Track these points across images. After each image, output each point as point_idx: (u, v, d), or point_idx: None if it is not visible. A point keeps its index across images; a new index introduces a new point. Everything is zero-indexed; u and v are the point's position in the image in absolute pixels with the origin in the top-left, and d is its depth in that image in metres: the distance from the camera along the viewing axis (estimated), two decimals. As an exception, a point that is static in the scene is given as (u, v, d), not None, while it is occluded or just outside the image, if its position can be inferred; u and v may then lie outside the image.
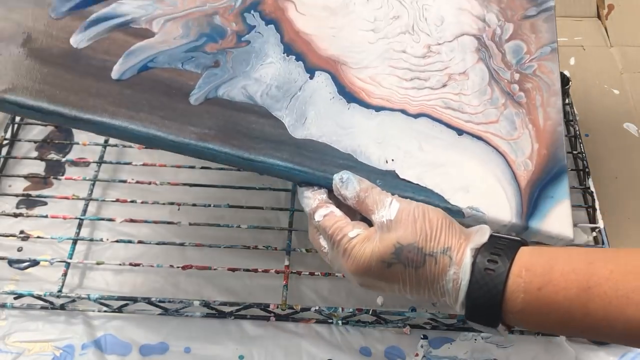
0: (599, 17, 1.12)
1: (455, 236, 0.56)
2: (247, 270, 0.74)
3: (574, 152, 0.89)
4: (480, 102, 0.69)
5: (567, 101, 0.93)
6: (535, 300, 0.52)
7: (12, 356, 0.71)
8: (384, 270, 0.56)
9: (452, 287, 0.55)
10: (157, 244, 0.76)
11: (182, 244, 0.76)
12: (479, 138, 0.67)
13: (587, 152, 0.88)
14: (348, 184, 0.60)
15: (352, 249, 0.57)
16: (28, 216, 0.80)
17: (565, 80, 0.92)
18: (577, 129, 0.90)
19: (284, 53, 0.65)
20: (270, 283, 0.76)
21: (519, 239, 0.57)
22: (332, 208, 0.60)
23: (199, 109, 0.60)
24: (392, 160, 0.63)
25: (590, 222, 0.83)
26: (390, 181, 0.62)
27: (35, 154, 0.86)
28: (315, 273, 0.75)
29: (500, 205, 0.64)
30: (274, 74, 0.63)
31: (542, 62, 0.73)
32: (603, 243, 0.79)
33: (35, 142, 0.87)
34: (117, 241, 0.77)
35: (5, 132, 0.86)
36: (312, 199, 0.60)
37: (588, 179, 0.85)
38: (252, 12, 0.65)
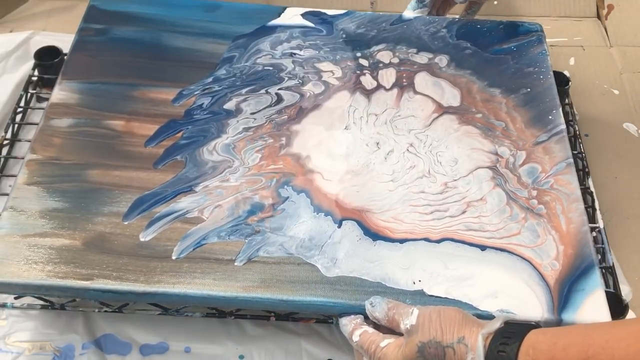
0: (598, 17, 1.13)
1: (469, 326, 0.61)
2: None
3: (574, 152, 0.88)
4: (500, 219, 0.75)
5: (567, 101, 0.94)
6: None
7: (12, 356, 0.73)
8: None
9: None
10: None
11: None
12: (503, 250, 0.73)
13: (587, 152, 0.88)
14: (377, 306, 0.67)
15: (384, 356, 0.63)
16: (29, 217, 0.84)
17: (565, 80, 0.93)
18: (577, 129, 0.90)
19: (314, 212, 0.76)
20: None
21: (533, 323, 0.61)
22: (366, 327, 0.67)
23: (243, 267, 0.71)
24: (419, 281, 0.70)
25: (589, 222, 0.81)
26: (419, 299, 0.69)
27: (36, 155, 0.91)
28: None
29: (530, 305, 0.69)
30: (307, 229, 0.74)
31: (558, 176, 0.79)
32: (602, 243, 0.77)
33: (36, 143, 0.92)
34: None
35: (6, 132, 0.89)
36: (349, 324, 0.68)
37: (588, 179, 0.85)
38: (285, 187, 0.78)
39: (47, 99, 0.96)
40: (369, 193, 0.78)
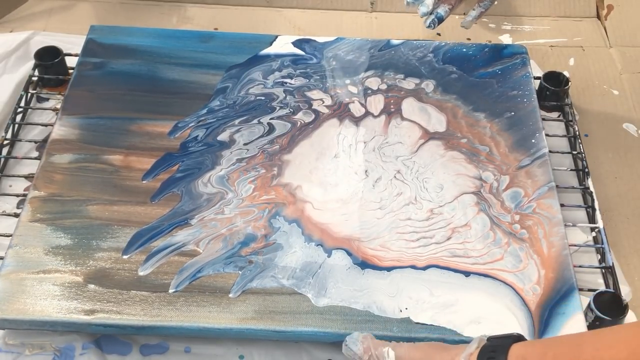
0: (598, 17, 1.14)
1: (449, 355, 0.64)
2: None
3: (574, 152, 0.90)
4: (484, 245, 0.78)
5: (567, 101, 0.96)
6: None
7: (12, 356, 0.73)
8: None
9: None
10: None
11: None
12: (486, 275, 0.76)
13: (587, 152, 0.90)
14: (352, 346, 0.68)
15: None
16: (29, 218, 0.83)
17: (565, 81, 0.95)
18: (576, 129, 0.92)
19: (305, 242, 0.79)
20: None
21: (515, 334, 0.64)
22: None
23: (237, 299, 0.74)
24: (406, 308, 0.73)
25: (589, 222, 0.84)
26: (405, 326, 0.72)
27: (35, 154, 0.91)
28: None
29: (512, 329, 0.71)
30: (298, 260, 0.77)
31: (540, 200, 0.82)
32: (602, 243, 0.79)
33: (35, 142, 0.92)
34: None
35: (6, 132, 0.90)
36: None
37: (588, 179, 0.86)
38: (277, 217, 0.81)
39: (47, 99, 0.99)
40: (358, 221, 0.81)
